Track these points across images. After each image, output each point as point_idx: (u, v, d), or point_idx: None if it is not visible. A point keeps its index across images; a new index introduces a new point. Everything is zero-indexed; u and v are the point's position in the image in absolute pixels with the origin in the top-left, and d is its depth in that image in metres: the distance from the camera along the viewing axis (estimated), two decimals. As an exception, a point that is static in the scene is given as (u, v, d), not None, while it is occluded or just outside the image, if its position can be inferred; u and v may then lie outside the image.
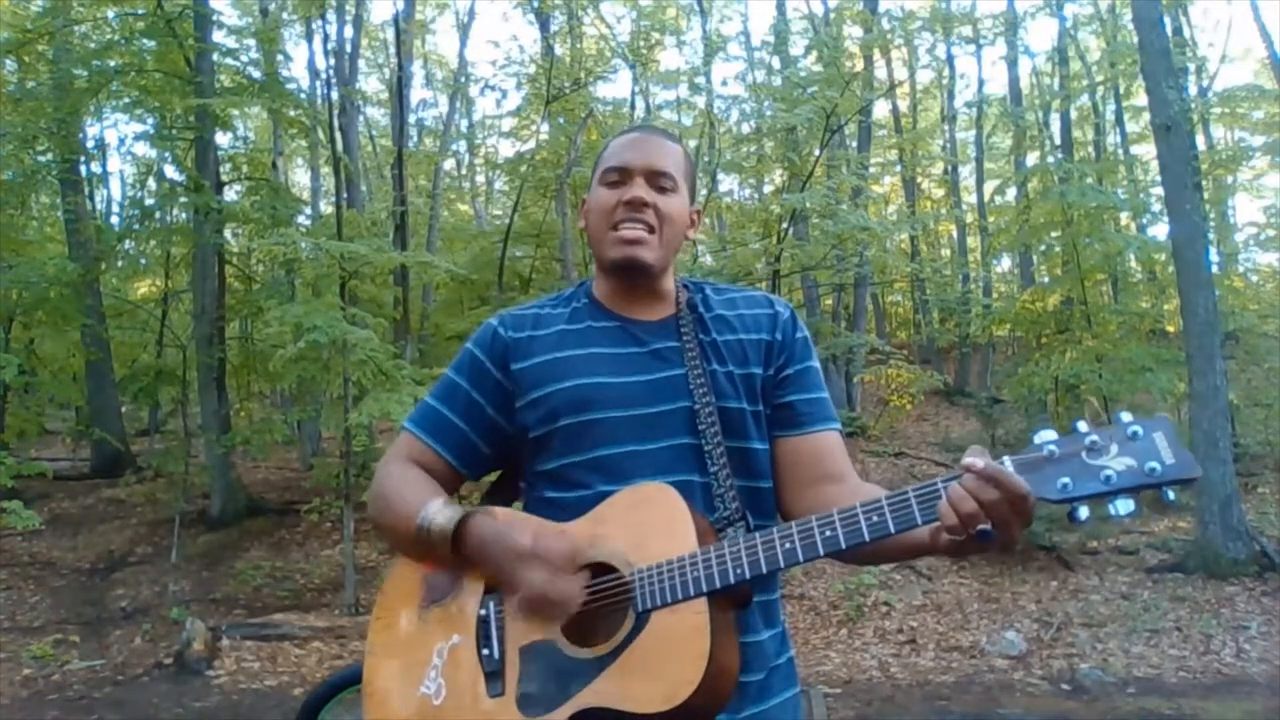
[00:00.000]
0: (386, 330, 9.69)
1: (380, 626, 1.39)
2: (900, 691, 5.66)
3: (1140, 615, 6.59)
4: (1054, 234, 12.03)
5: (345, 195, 11.05)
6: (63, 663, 6.33)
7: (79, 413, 12.59)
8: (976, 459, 1.08)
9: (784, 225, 10.74)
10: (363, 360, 7.23)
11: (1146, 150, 15.11)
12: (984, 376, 15.59)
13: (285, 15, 11.19)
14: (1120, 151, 16.47)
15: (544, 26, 13.38)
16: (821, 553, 1.16)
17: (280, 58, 9.93)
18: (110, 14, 9.67)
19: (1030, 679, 5.78)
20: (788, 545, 1.18)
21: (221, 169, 10.12)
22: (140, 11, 9.25)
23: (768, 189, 15.57)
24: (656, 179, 1.42)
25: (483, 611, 1.30)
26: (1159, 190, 10.20)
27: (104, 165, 15.40)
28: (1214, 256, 13.84)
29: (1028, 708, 5.28)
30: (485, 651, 1.28)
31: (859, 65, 12.20)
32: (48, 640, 6.64)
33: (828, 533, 1.16)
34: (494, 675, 1.26)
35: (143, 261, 12.59)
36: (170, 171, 11.62)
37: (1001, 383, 12.96)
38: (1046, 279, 14.77)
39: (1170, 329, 11.50)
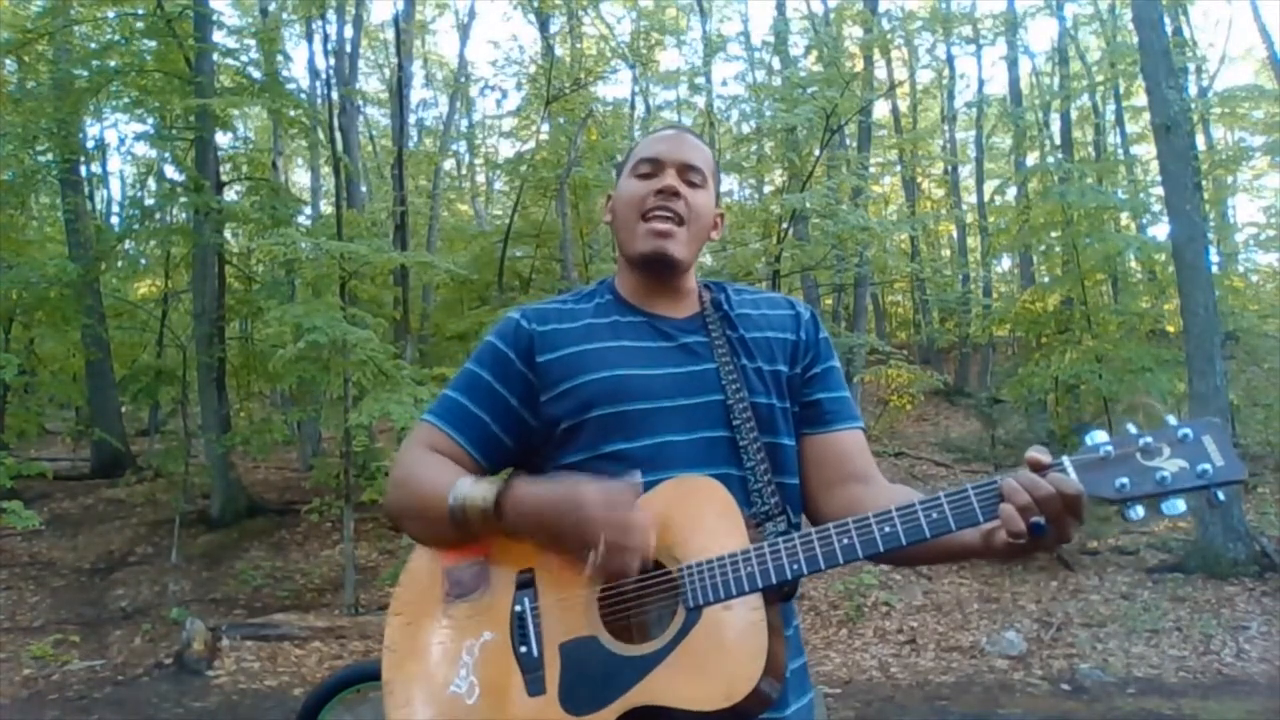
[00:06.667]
0: (386, 330, 9.69)
1: (400, 623, 1.34)
2: (900, 691, 5.66)
3: (1140, 615, 6.59)
4: (1054, 234, 12.03)
5: (345, 195, 11.04)
6: (63, 663, 6.33)
7: (79, 413, 12.60)
8: (1041, 454, 1.11)
9: (784, 225, 10.74)
10: (363, 360, 7.23)
11: (1146, 150, 15.12)
12: (984, 376, 15.59)
13: (285, 15, 11.18)
14: (1120, 151, 16.46)
15: (544, 27, 13.39)
16: (882, 549, 1.15)
17: (280, 58, 9.91)
18: (110, 14, 9.66)
19: (1030, 679, 5.78)
20: (845, 541, 1.17)
21: (221, 169, 10.12)
22: (140, 11, 9.25)
23: (768, 189, 15.59)
24: (687, 173, 1.44)
25: (518, 607, 1.26)
26: (1159, 190, 10.19)
27: (104, 165, 15.45)
28: (1214, 256, 13.83)
29: (1028, 708, 5.28)
30: (523, 649, 1.24)
31: (859, 65, 12.20)
32: (48, 640, 6.64)
33: (887, 529, 1.15)
34: (533, 673, 1.22)
35: (143, 261, 12.60)
36: (170, 171, 11.63)
37: (1001, 383, 12.95)
38: (1046, 279, 14.77)
39: (1170, 329, 11.49)
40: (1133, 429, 1.12)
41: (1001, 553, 1.15)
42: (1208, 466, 1.07)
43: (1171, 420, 1.11)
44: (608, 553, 1.17)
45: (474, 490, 1.27)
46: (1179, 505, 1.08)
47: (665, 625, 1.19)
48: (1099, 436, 1.12)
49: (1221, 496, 1.08)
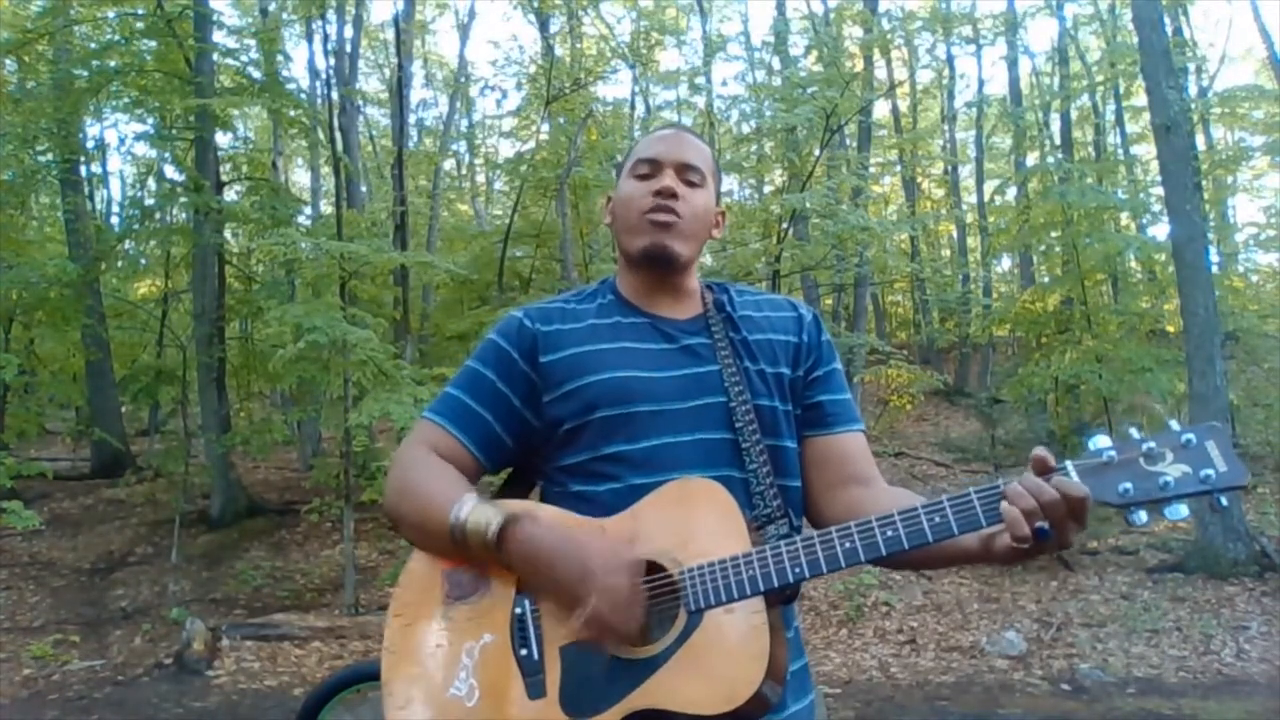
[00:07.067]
0: (386, 330, 9.68)
1: (399, 625, 1.33)
2: (900, 691, 5.66)
3: (1140, 615, 6.59)
4: (1054, 234, 12.03)
5: (345, 195, 11.04)
6: (63, 663, 6.33)
7: (79, 413, 12.59)
8: (1046, 455, 1.11)
9: (784, 225, 10.73)
10: (363, 360, 7.23)
11: (1146, 150, 15.13)
12: (984, 376, 15.59)
13: (285, 15, 11.17)
14: (1120, 151, 16.46)
15: (544, 27, 13.39)
16: (884, 553, 1.15)
17: (280, 58, 9.89)
18: (110, 14, 9.66)
19: (1030, 679, 5.78)
20: (848, 545, 1.16)
21: (221, 169, 10.11)
22: (140, 11, 9.25)
23: (768, 189, 15.58)
24: (685, 172, 1.43)
25: (518, 610, 1.26)
26: (1159, 190, 10.19)
27: (104, 165, 15.44)
28: (1214, 256, 13.83)
29: (1028, 708, 5.27)
30: (524, 652, 1.23)
31: (859, 65, 12.20)
32: (48, 640, 6.64)
33: (889, 532, 1.15)
34: (533, 676, 1.22)
35: (143, 261, 12.59)
36: (170, 171, 11.63)
37: (1001, 383, 12.95)
38: (1046, 279, 14.77)
39: (1170, 329, 11.49)
40: (1135, 433, 1.12)
41: (1002, 557, 1.15)
42: (1211, 471, 1.07)
43: (1174, 425, 1.11)
44: (594, 622, 1.17)
45: (477, 515, 1.25)
46: (1182, 510, 1.08)
47: (667, 628, 1.19)
48: (1101, 441, 1.12)
49: (1224, 501, 1.08)
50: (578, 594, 1.17)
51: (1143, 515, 1.09)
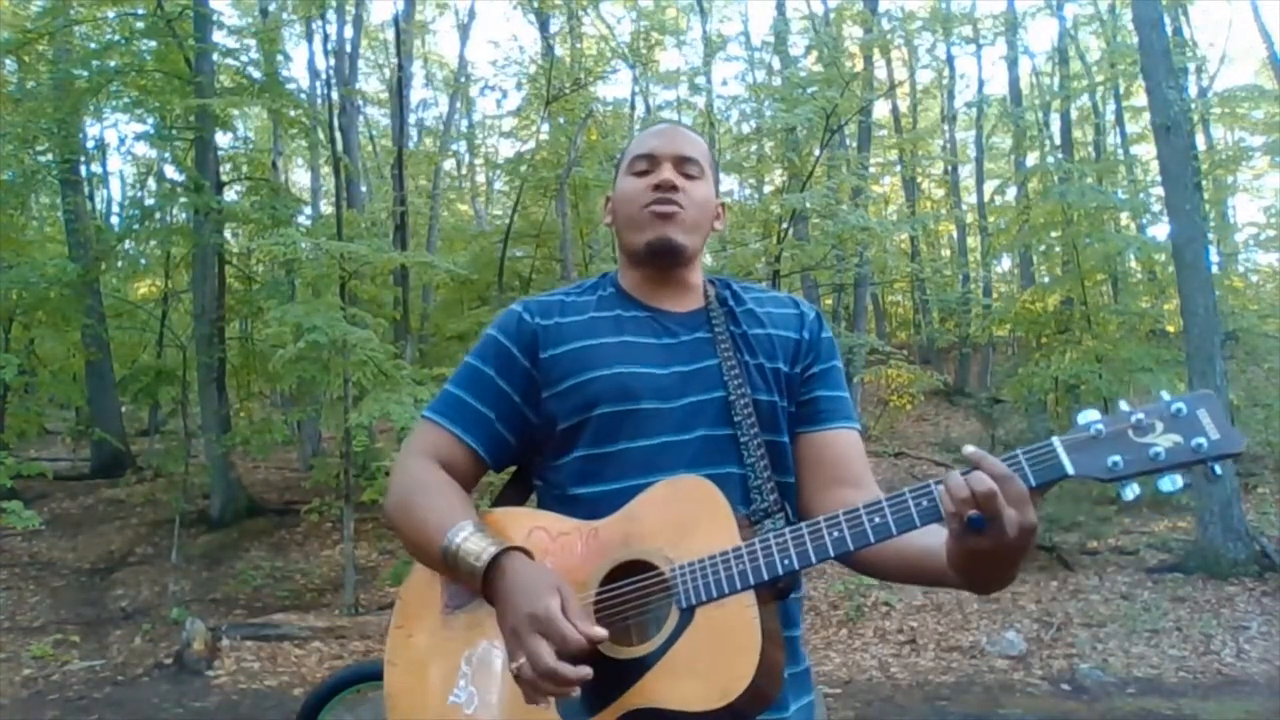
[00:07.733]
0: (386, 330, 9.68)
1: (400, 636, 1.34)
2: (900, 691, 5.66)
3: (1140, 615, 6.59)
4: (1054, 234, 12.06)
5: (345, 195, 11.03)
6: (63, 663, 6.33)
7: (79, 413, 12.60)
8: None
9: (784, 225, 10.73)
10: (363, 360, 7.23)
11: (1146, 150, 15.13)
12: (984, 376, 15.60)
13: (285, 15, 11.17)
14: (1120, 151, 16.47)
15: (544, 27, 13.38)
16: (872, 540, 1.13)
17: (280, 58, 9.90)
18: (110, 14, 9.67)
19: (1030, 679, 5.78)
20: (835, 534, 1.15)
21: (221, 169, 10.12)
22: (140, 11, 9.26)
23: (768, 189, 15.58)
24: (683, 165, 1.43)
25: None
26: (1159, 190, 10.21)
27: (104, 165, 15.44)
28: (1214, 256, 13.84)
29: (1028, 708, 5.28)
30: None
31: (859, 65, 12.20)
32: (48, 640, 6.64)
33: (877, 519, 1.13)
34: None
35: (143, 261, 12.60)
36: (170, 171, 11.66)
37: (1001, 383, 12.96)
38: (1046, 279, 14.79)
39: (1170, 329, 11.51)
40: (1125, 406, 1.09)
41: (953, 559, 1.12)
42: (1202, 440, 1.03)
43: (1165, 395, 1.08)
44: (515, 675, 1.13)
45: (469, 543, 1.23)
46: (1176, 481, 1.05)
47: (660, 627, 1.19)
48: (1090, 415, 1.09)
49: (1219, 470, 1.05)
50: (521, 638, 1.13)
51: (1135, 488, 1.06)
